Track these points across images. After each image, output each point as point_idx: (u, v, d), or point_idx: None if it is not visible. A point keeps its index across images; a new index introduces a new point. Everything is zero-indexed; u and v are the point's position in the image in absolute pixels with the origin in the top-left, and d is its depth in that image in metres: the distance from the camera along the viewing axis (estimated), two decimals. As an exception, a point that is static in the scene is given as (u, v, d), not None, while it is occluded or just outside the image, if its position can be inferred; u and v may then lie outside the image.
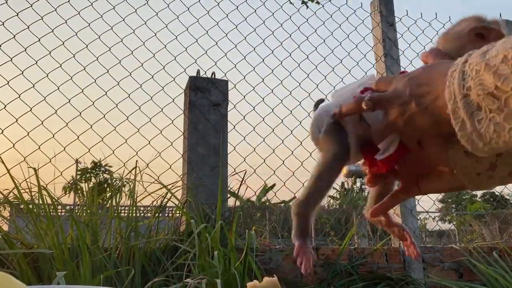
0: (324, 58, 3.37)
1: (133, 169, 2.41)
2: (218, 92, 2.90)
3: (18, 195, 2.06)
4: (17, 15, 2.54)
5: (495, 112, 0.42)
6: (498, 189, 4.37)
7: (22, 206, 2.12)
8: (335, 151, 0.62)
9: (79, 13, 2.72)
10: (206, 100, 2.85)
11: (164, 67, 2.85)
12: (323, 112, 0.66)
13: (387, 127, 0.56)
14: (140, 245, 2.09)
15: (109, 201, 2.37)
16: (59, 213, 2.18)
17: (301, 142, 3.02)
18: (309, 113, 3.17)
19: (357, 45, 3.49)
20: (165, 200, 2.41)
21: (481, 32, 0.58)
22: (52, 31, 2.59)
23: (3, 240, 1.88)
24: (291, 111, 3.11)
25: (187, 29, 3.04)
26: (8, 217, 2.26)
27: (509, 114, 0.41)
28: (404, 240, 0.70)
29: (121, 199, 2.35)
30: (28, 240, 2.06)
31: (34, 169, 2.11)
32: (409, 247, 0.69)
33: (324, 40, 3.44)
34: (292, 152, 2.97)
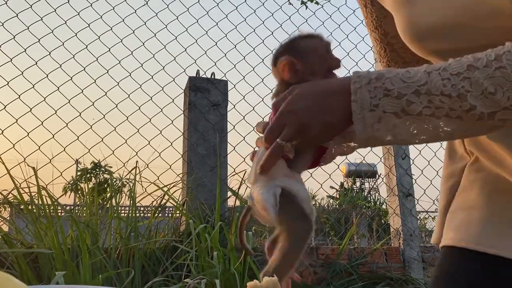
0: (324, 58, 3.37)
1: (133, 169, 2.42)
2: (217, 92, 2.90)
3: (17, 196, 2.06)
4: (17, 15, 2.54)
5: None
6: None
7: (22, 207, 2.13)
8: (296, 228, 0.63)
9: (78, 14, 2.73)
10: (206, 100, 2.86)
11: (163, 67, 2.85)
12: (266, 192, 0.65)
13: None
14: (140, 245, 2.09)
15: (109, 202, 2.37)
16: (59, 214, 2.18)
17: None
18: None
19: (356, 45, 3.49)
20: (165, 200, 2.42)
21: (327, 49, 0.71)
22: (52, 31, 2.59)
23: (3, 240, 1.88)
24: (290, 111, 3.10)
25: (187, 29, 3.04)
26: (8, 218, 2.26)
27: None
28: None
29: (121, 199, 2.36)
30: (28, 240, 2.07)
31: (34, 169, 2.11)
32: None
33: (324, 40, 3.44)
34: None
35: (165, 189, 2.42)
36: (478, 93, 0.55)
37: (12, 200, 2.11)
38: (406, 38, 0.75)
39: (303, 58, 0.69)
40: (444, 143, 0.93)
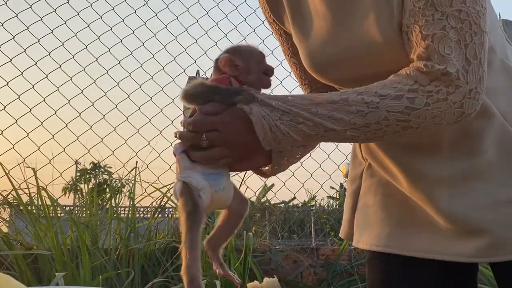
0: (324, 59, 3.37)
1: (132, 169, 2.41)
2: (217, 92, 2.89)
3: (17, 197, 2.05)
4: (17, 16, 2.53)
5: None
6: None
7: (21, 208, 2.12)
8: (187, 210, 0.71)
9: (78, 14, 2.72)
10: (206, 101, 2.85)
11: (163, 67, 2.85)
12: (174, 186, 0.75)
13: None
14: (139, 246, 2.09)
15: (109, 202, 2.37)
16: (59, 214, 2.17)
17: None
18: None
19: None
20: (164, 201, 2.41)
21: (263, 56, 0.80)
22: (52, 32, 2.59)
23: (3, 241, 1.87)
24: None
25: (187, 29, 3.04)
26: (8, 219, 2.25)
27: None
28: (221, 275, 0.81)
29: (121, 200, 2.35)
30: (27, 240, 2.06)
31: (33, 169, 2.10)
32: (230, 277, 0.81)
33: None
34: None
35: (165, 190, 2.41)
36: (326, 117, 0.68)
37: (12, 201, 2.11)
38: (307, 68, 0.87)
39: (241, 58, 0.78)
40: None
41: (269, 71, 0.80)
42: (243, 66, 0.78)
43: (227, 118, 0.71)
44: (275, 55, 3.24)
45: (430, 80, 0.66)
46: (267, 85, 0.80)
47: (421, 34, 0.68)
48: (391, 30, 0.72)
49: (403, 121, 0.66)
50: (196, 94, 0.75)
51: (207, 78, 2.85)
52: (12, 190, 2.05)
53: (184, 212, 0.70)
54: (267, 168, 0.83)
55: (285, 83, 3.19)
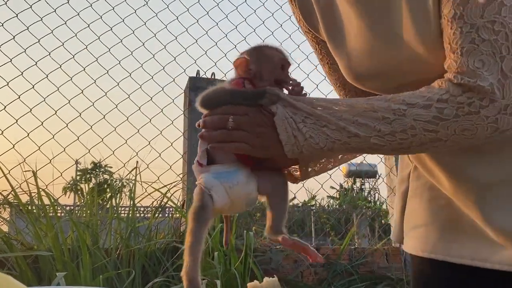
0: (324, 58, 3.36)
1: (133, 169, 2.41)
2: (218, 92, 2.89)
3: (16, 197, 2.05)
4: (17, 16, 2.53)
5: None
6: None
7: (21, 208, 2.12)
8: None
9: (78, 14, 2.72)
10: (206, 101, 2.84)
11: (164, 67, 2.85)
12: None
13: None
14: (140, 245, 2.09)
15: (109, 202, 2.37)
16: (59, 214, 2.17)
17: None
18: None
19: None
20: (165, 200, 2.41)
21: (283, 64, 0.79)
22: (52, 32, 2.59)
23: (3, 241, 1.87)
24: (291, 111, 3.10)
25: (187, 29, 3.04)
26: (8, 218, 2.25)
27: None
28: (303, 253, 0.78)
29: (121, 199, 2.35)
30: (28, 240, 2.06)
31: (34, 172, 2.10)
32: (311, 256, 0.76)
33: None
34: (292, 152, 2.96)
35: (165, 189, 2.41)
36: (350, 122, 0.67)
37: (12, 201, 2.11)
38: (347, 78, 0.86)
39: (257, 61, 0.77)
40: None
41: (283, 82, 0.77)
42: (255, 71, 0.77)
43: (257, 109, 0.72)
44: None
45: (463, 91, 0.63)
46: None
47: (450, 46, 0.65)
48: (432, 40, 0.69)
49: (430, 131, 0.64)
50: (218, 98, 0.75)
51: (207, 78, 2.82)
52: (11, 191, 2.05)
53: (191, 212, 0.70)
54: (298, 173, 0.82)
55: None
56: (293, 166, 0.84)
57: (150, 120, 2.68)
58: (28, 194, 2.12)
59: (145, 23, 2.91)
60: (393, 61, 0.75)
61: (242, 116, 0.72)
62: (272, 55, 0.78)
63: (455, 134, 0.63)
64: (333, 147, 0.68)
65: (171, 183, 2.46)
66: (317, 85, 3.30)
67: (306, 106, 0.69)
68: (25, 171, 2.15)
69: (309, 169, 0.84)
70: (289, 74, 0.80)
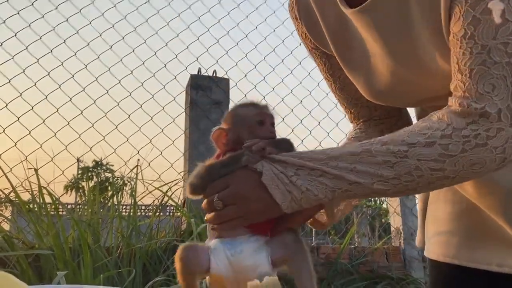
0: (326, 57, 3.36)
1: (134, 167, 2.41)
2: (219, 90, 2.89)
3: (16, 196, 2.06)
4: (18, 13, 2.53)
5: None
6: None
7: (22, 206, 2.12)
8: None
9: (80, 11, 2.72)
10: (207, 99, 2.85)
11: (165, 65, 2.84)
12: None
13: None
14: (141, 244, 2.09)
15: (111, 200, 2.37)
16: (60, 212, 2.18)
17: (302, 141, 3.03)
18: (310, 112, 3.17)
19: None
20: (166, 198, 2.41)
21: (261, 119, 0.73)
22: (54, 29, 2.59)
23: (4, 240, 1.88)
24: (292, 110, 3.11)
25: (188, 27, 3.03)
26: (10, 217, 2.26)
27: None
28: None
29: (123, 198, 2.35)
30: (29, 239, 2.07)
31: (35, 169, 2.10)
32: None
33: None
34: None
35: (166, 187, 2.42)
36: (348, 170, 0.64)
37: (14, 199, 2.11)
38: (366, 97, 0.84)
39: (233, 129, 0.73)
40: None
41: (263, 138, 0.71)
42: (234, 138, 0.72)
43: (238, 174, 0.68)
44: (276, 53, 3.24)
45: (467, 123, 0.59)
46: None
47: (458, 66, 0.62)
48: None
49: (437, 170, 0.60)
50: (201, 180, 0.71)
51: (209, 76, 2.81)
52: (12, 190, 2.05)
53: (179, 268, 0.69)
54: (325, 218, 0.79)
55: (286, 81, 3.19)
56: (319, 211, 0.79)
57: (152, 118, 2.68)
58: (30, 192, 2.12)
59: (147, 21, 2.91)
60: (415, 81, 0.72)
61: (225, 191, 0.67)
62: (246, 115, 0.73)
63: (463, 169, 0.60)
64: (333, 196, 0.64)
65: (172, 181, 2.46)
66: (318, 83, 3.30)
67: (296, 160, 0.65)
68: (28, 169, 2.15)
69: (335, 210, 0.80)
70: (271, 127, 0.74)
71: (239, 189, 0.67)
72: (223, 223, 0.69)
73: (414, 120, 0.97)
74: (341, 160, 0.63)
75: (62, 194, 2.36)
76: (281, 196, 0.64)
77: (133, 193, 2.29)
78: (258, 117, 0.73)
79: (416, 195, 0.95)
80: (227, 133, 0.73)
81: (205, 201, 0.70)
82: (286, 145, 0.72)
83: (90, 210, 2.22)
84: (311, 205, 0.66)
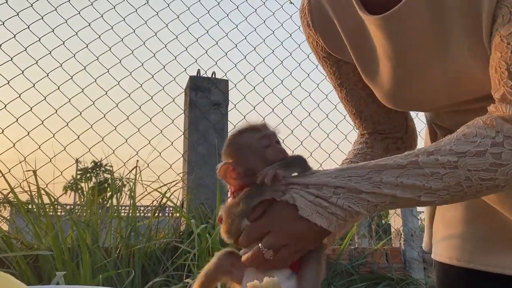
0: (325, 58, 3.36)
1: (133, 168, 2.41)
2: (218, 91, 2.89)
3: (14, 197, 2.05)
4: (17, 14, 2.53)
5: None
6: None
7: (20, 207, 2.12)
8: None
9: (79, 13, 2.72)
10: (207, 100, 2.85)
11: (164, 66, 2.84)
12: None
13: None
14: (140, 245, 2.09)
15: (109, 201, 2.36)
16: (59, 213, 2.17)
17: (301, 142, 3.03)
18: (309, 113, 3.18)
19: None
20: (165, 199, 2.41)
21: (266, 142, 0.69)
22: (53, 30, 2.59)
23: (3, 241, 1.87)
24: (291, 111, 3.11)
25: (187, 28, 3.04)
26: (8, 217, 2.25)
27: None
28: None
29: (122, 199, 2.35)
30: (28, 239, 2.06)
31: (34, 172, 2.10)
32: None
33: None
34: (293, 152, 2.97)
35: (165, 188, 2.41)
36: (393, 185, 0.61)
37: (12, 200, 2.11)
38: (386, 103, 0.81)
39: (240, 160, 0.68)
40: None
41: (273, 160, 0.67)
42: (244, 170, 0.67)
43: (272, 214, 0.64)
44: (275, 55, 3.24)
45: None
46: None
47: (508, 72, 0.59)
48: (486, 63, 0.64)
49: (488, 180, 0.58)
50: (235, 229, 0.66)
51: (208, 77, 2.80)
52: (11, 191, 2.05)
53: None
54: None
55: (285, 82, 3.19)
56: None
57: (151, 119, 2.68)
58: (29, 193, 2.12)
59: (145, 22, 2.91)
60: (441, 87, 0.70)
61: (269, 238, 0.63)
62: (250, 142, 0.68)
63: None
64: (375, 209, 0.63)
65: (171, 182, 2.46)
66: (318, 85, 3.30)
67: (331, 180, 0.62)
68: (27, 171, 2.15)
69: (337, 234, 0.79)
70: (279, 146, 0.70)
71: (283, 229, 0.63)
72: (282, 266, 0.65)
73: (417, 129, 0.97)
74: (386, 173, 0.61)
75: (61, 195, 2.35)
76: (326, 221, 0.61)
77: (132, 194, 2.29)
78: (263, 141, 0.68)
79: None
80: (234, 167, 0.68)
81: (247, 254, 0.65)
82: (298, 162, 0.69)
83: (89, 211, 2.22)
84: (354, 222, 0.65)
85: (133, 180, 2.35)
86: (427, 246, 0.92)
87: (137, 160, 2.47)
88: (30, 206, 2.14)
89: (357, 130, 1.00)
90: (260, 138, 0.68)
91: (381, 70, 0.77)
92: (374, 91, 0.82)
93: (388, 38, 0.72)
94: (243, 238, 0.65)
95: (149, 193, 2.38)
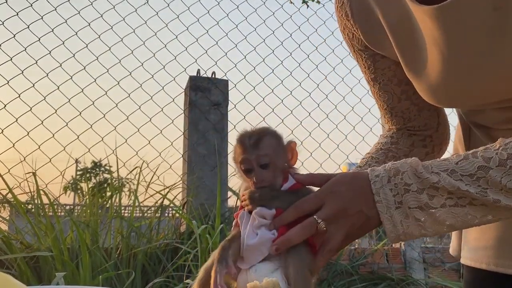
0: (325, 58, 3.37)
1: (134, 169, 2.41)
2: (218, 91, 2.89)
3: (13, 197, 2.05)
4: (17, 14, 2.53)
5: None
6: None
7: (18, 208, 2.11)
8: None
9: (79, 13, 2.71)
10: (206, 100, 2.85)
11: (164, 66, 2.84)
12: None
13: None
14: (141, 246, 2.08)
15: (109, 201, 2.36)
16: (59, 213, 2.17)
17: (301, 142, 3.02)
18: (309, 113, 3.17)
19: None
20: (165, 200, 2.40)
21: (250, 168, 0.68)
22: (52, 30, 2.58)
23: (2, 241, 1.87)
24: (291, 111, 3.10)
25: (187, 28, 3.03)
26: (8, 217, 2.25)
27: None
28: None
29: (121, 199, 2.35)
30: (27, 239, 2.06)
31: (34, 173, 2.10)
32: None
33: (325, 40, 3.44)
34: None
35: (166, 189, 2.41)
36: (498, 189, 0.56)
37: (12, 200, 2.10)
38: (427, 99, 0.78)
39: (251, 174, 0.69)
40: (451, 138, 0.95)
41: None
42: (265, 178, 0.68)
43: (334, 184, 0.63)
44: (275, 55, 3.24)
45: None
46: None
47: None
48: None
49: None
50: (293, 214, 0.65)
51: (208, 77, 2.79)
52: (9, 191, 2.04)
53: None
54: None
55: (285, 82, 3.19)
56: None
57: (151, 119, 2.68)
58: (28, 193, 2.11)
59: (145, 22, 2.91)
60: (499, 81, 0.67)
61: (326, 209, 0.62)
62: (277, 142, 0.70)
63: None
64: (458, 228, 0.60)
65: (173, 185, 2.45)
66: (318, 85, 3.30)
67: (447, 179, 0.58)
68: (27, 173, 2.15)
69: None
70: (261, 170, 0.68)
71: (341, 198, 0.62)
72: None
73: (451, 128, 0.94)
74: (493, 170, 0.57)
75: (61, 195, 2.35)
76: (394, 229, 0.60)
77: (131, 194, 2.28)
78: (243, 166, 0.69)
79: None
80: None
81: (300, 229, 0.62)
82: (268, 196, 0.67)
83: (88, 211, 2.21)
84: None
85: (134, 181, 2.35)
86: (455, 251, 0.88)
87: (138, 161, 2.46)
88: (29, 206, 2.14)
89: (384, 125, 0.97)
90: (241, 161, 0.69)
91: (428, 63, 0.74)
92: (417, 85, 0.79)
93: (443, 29, 0.69)
94: (296, 209, 0.63)
95: (151, 195, 2.38)
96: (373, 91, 0.91)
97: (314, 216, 0.61)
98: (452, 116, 1.08)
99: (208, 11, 3.16)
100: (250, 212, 0.68)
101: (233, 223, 0.72)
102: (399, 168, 0.61)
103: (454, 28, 0.68)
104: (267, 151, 0.68)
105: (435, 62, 0.72)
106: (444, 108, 0.91)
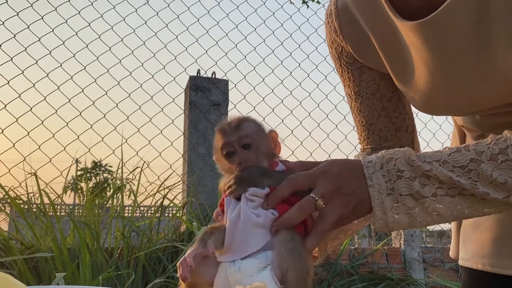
0: (325, 58, 3.37)
1: (134, 169, 2.41)
2: (218, 91, 2.89)
3: (12, 198, 2.05)
4: (17, 14, 2.53)
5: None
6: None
7: (18, 208, 2.11)
8: None
9: (79, 13, 2.72)
10: (207, 100, 2.85)
11: (164, 66, 2.84)
12: None
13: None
14: (140, 245, 2.08)
15: (109, 201, 2.36)
16: (59, 213, 2.17)
17: (301, 142, 3.02)
18: (309, 113, 3.17)
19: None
20: (165, 200, 2.41)
21: (232, 150, 0.66)
22: (53, 30, 2.58)
23: (2, 243, 1.87)
24: (291, 111, 3.11)
25: (187, 28, 3.03)
26: (8, 217, 2.25)
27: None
28: None
29: (121, 199, 2.35)
30: (27, 239, 2.06)
31: (34, 174, 2.10)
32: None
33: (325, 40, 3.44)
34: (293, 152, 2.98)
35: (165, 189, 2.41)
36: (488, 182, 0.58)
37: (12, 200, 2.10)
38: (419, 109, 0.78)
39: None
40: (448, 141, 0.95)
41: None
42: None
43: (327, 165, 0.62)
44: (275, 55, 3.24)
45: None
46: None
47: None
48: None
49: None
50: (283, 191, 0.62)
51: (208, 77, 2.79)
52: (9, 190, 2.05)
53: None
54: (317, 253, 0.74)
55: (285, 82, 3.19)
56: None
57: (151, 119, 2.68)
58: (29, 193, 2.12)
59: (145, 22, 2.91)
60: (478, 92, 0.68)
61: (321, 187, 0.61)
62: (216, 147, 0.68)
63: None
64: (450, 219, 0.61)
65: (173, 185, 2.45)
66: (318, 85, 3.30)
67: (439, 168, 0.59)
68: (28, 173, 2.15)
69: (328, 246, 0.77)
70: (244, 151, 0.66)
71: (337, 178, 0.61)
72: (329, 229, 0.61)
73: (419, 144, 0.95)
74: (484, 163, 0.58)
75: (60, 195, 2.35)
76: (384, 217, 0.60)
77: (131, 194, 2.29)
78: (224, 150, 0.66)
79: None
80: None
81: (297, 210, 0.60)
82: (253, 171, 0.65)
83: (89, 211, 2.21)
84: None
85: (134, 180, 2.35)
86: (454, 254, 0.88)
87: (143, 162, 2.46)
88: (29, 206, 2.14)
89: (360, 144, 0.97)
90: (222, 146, 0.67)
91: (416, 75, 0.75)
92: (408, 96, 0.80)
93: (426, 43, 0.70)
94: (288, 184, 0.62)
95: (152, 195, 2.38)
96: (354, 105, 0.91)
97: (311, 194, 0.60)
98: (447, 123, 1.08)
99: (208, 11, 3.16)
100: (237, 199, 0.63)
101: (214, 215, 0.68)
102: (392, 155, 0.61)
103: (437, 41, 0.69)
104: (248, 132, 0.66)
105: (422, 74, 0.73)
106: (425, 127, 0.92)
